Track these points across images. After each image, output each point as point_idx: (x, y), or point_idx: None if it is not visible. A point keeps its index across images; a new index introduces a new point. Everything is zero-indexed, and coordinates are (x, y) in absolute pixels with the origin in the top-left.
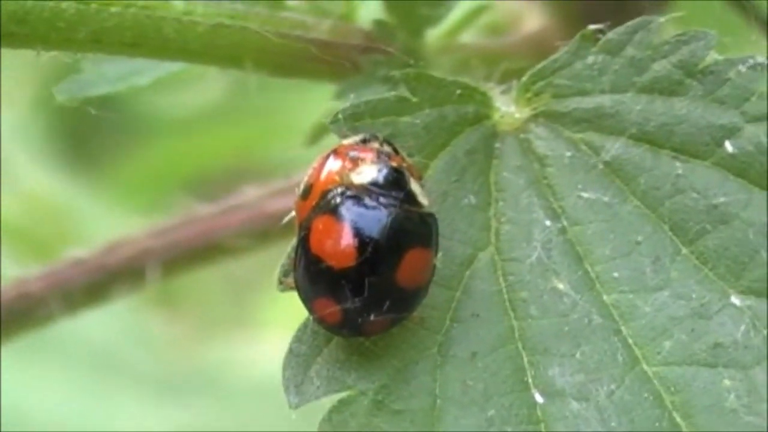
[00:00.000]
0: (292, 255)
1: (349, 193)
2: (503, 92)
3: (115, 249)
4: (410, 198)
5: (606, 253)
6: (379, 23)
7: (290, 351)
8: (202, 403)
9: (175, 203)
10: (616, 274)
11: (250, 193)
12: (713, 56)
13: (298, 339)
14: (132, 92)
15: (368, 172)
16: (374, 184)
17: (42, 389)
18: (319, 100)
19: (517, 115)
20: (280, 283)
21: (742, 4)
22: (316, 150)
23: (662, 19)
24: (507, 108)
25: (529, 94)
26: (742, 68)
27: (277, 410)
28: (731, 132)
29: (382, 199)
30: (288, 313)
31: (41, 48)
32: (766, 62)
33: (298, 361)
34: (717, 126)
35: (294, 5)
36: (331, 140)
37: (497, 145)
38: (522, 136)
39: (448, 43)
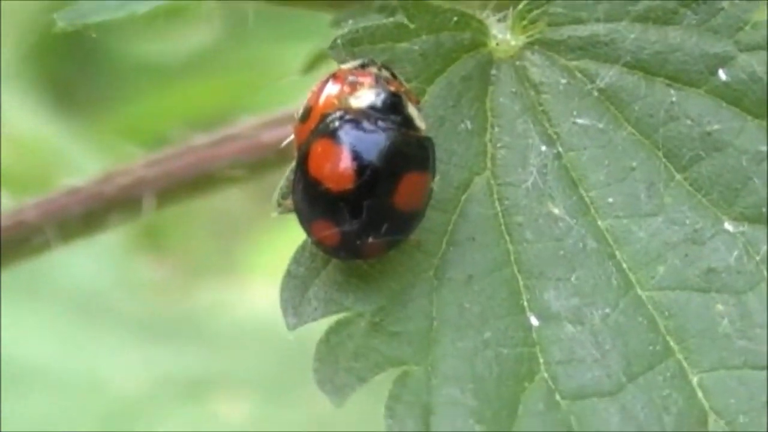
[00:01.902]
0: (291, 177)
1: (347, 116)
2: (499, 20)
3: (110, 178)
4: (407, 122)
5: (600, 179)
6: None
7: (288, 273)
8: (187, 346)
9: (170, 135)
10: (610, 200)
11: (245, 124)
12: None
13: (296, 261)
14: (119, 39)
15: (366, 96)
16: (372, 107)
17: (27, 333)
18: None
19: (512, 43)
20: (279, 205)
21: None
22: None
23: None
24: (503, 36)
25: (524, 22)
26: None
27: (262, 354)
28: (725, 61)
29: (380, 123)
30: (273, 259)
31: None
32: None
33: (296, 282)
34: (711, 55)
35: None
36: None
37: (493, 72)
38: (518, 63)
39: None
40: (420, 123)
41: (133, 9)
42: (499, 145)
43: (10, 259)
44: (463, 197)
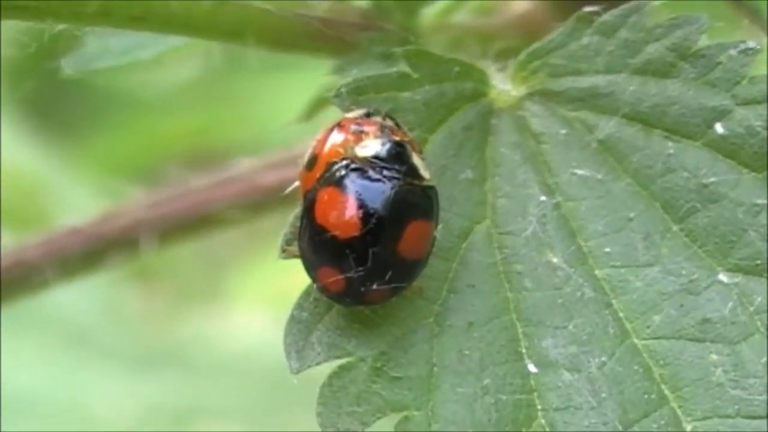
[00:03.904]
0: (296, 224)
1: (353, 165)
2: (499, 70)
3: (110, 219)
4: (412, 171)
5: (599, 229)
6: (375, 2)
7: (292, 317)
8: (176, 377)
9: (167, 174)
10: (608, 249)
11: (244, 166)
12: (705, 40)
13: (299, 306)
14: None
15: (372, 146)
16: (377, 157)
17: (16, 364)
18: (295, 85)
19: (513, 93)
20: (283, 251)
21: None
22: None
23: (655, 3)
24: (503, 86)
25: (525, 73)
26: (733, 52)
27: (250, 383)
28: (722, 114)
29: (385, 173)
30: (259, 288)
31: (51, 21)
32: (756, 47)
33: (300, 327)
34: (708, 108)
35: None
36: (327, 116)
37: (494, 121)
38: (518, 113)
39: (442, 22)
40: (424, 172)
41: (138, 56)
42: (499, 194)
43: (11, 297)
44: (464, 245)
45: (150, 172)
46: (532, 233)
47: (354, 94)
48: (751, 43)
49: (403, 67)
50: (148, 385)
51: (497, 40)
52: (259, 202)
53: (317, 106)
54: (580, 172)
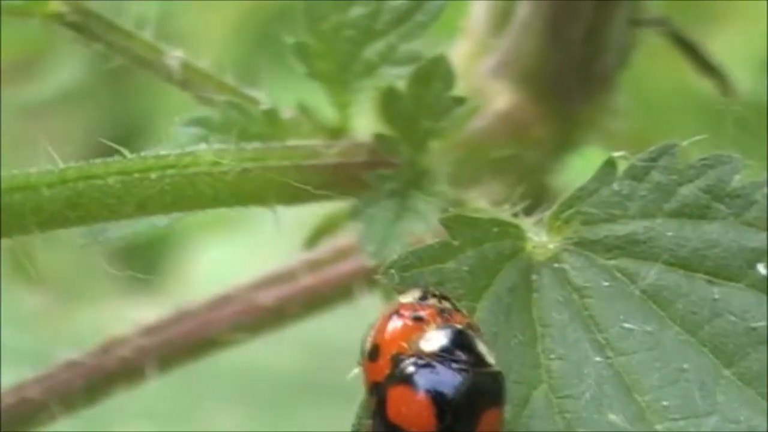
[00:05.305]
0: (364, 418)
1: (420, 361)
2: (533, 223)
3: (109, 349)
4: (479, 359)
5: (654, 383)
6: (380, 137)
7: None
8: None
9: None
10: (665, 403)
11: (240, 285)
12: (739, 179)
13: None
14: None
15: (436, 339)
16: (444, 350)
17: None
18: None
19: (550, 246)
20: None
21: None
22: None
23: (684, 143)
24: (539, 238)
25: (558, 223)
26: None
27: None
28: (762, 254)
29: (453, 365)
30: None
31: (92, 223)
32: None
33: None
34: (748, 249)
35: (290, 121)
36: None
37: (534, 277)
38: (557, 265)
39: (446, 146)
40: (490, 358)
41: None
42: (552, 356)
43: None
44: (525, 413)
45: None
46: (591, 395)
47: (401, 271)
48: None
49: (444, 237)
50: None
51: (493, 149)
52: (259, 320)
53: (319, 234)
54: (627, 325)
